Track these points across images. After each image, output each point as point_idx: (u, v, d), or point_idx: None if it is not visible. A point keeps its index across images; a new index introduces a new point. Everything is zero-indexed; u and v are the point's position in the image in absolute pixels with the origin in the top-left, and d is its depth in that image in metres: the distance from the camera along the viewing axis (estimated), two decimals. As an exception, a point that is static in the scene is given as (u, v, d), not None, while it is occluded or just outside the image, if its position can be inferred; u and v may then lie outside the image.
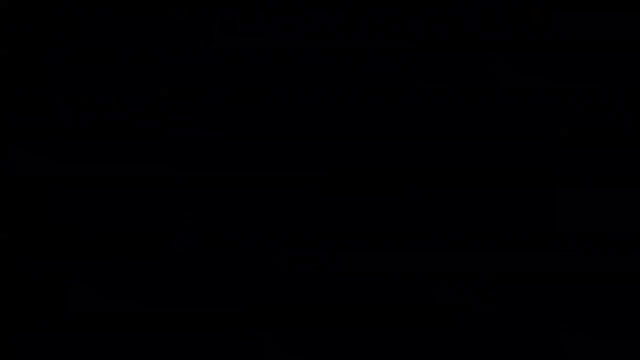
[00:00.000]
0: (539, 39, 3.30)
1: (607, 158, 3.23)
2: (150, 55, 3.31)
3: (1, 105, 3.26)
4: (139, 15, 3.33)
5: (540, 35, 3.30)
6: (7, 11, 3.29)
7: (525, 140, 3.26)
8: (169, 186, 3.24)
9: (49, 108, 3.27)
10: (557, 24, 3.29)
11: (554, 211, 3.21)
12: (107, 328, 3.12)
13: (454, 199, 3.23)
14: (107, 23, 3.32)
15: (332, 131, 3.28)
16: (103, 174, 3.24)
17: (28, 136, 3.26)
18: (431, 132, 3.27)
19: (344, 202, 3.24)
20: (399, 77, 3.30)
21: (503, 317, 3.14)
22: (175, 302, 3.16)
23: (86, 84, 3.30)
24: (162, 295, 3.17)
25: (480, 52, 3.30)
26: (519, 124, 3.27)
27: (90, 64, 3.31)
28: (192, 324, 3.13)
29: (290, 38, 3.32)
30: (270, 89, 3.31)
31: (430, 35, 3.30)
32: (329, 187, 3.24)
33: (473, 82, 3.30)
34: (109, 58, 3.31)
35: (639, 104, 3.25)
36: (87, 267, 3.18)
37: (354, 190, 3.24)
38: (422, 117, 3.28)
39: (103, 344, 3.11)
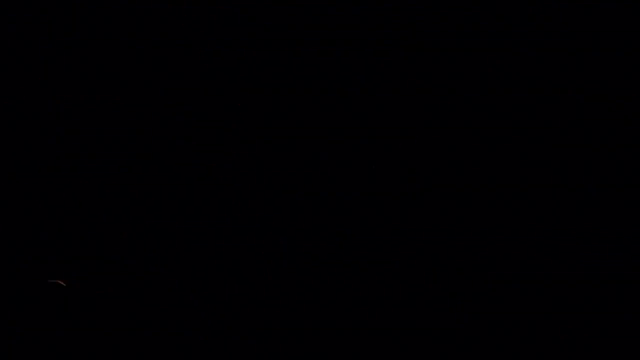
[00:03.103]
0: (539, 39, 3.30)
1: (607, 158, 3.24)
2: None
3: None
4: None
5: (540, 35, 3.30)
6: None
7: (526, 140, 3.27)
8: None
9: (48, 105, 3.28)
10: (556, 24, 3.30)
11: (554, 211, 3.22)
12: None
13: (454, 198, 3.24)
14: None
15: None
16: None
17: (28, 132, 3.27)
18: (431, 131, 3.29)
19: (342, 199, 3.24)
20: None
21: (503, 317, 3.15)
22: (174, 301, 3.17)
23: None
24: (162, 294, 3.18)
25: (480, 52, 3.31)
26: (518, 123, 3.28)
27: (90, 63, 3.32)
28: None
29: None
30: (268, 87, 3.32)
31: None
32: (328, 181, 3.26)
33: (473, 82, 3.30)
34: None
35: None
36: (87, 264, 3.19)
37: (352, 188, 3.25)
38: (420, 117, 3.29)
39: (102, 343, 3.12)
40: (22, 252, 3.21)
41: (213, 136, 3.30)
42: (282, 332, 3.15)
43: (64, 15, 3.32)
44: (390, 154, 3.28)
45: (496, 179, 3.25)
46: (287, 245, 3.22)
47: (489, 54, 3.30)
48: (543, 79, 3.30)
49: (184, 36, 3.34)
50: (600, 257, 3.17)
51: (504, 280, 3.18)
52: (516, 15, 3.30)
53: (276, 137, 3.30)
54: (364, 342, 3.14)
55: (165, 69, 3.33)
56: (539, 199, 3.23)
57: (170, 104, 3.32)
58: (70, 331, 3.13)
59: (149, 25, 3.34)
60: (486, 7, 3.29)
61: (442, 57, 3.31)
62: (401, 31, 3.32)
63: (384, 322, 3.16)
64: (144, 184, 3.26)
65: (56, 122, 3.29)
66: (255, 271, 3.20)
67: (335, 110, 3.31)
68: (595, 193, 3.22)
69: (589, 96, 3.28)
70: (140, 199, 3.25)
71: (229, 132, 3.31)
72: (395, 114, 3.30)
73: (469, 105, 3.29)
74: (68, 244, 3.22)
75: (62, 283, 2.97)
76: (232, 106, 3.33)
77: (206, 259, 3.22)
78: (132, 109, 3.31)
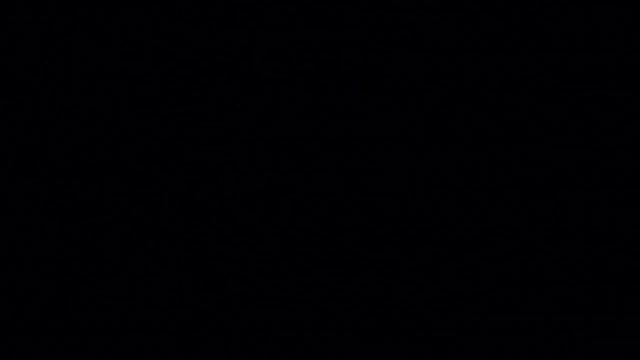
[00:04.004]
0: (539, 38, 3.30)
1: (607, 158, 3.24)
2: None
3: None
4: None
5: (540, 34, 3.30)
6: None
7: (525, 140, 3.26)
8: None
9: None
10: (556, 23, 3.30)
11: (554, 211, 3.22)
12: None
13: (454, 198, 3.23)
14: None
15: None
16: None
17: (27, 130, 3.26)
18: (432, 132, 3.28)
19: (342, 199, 3.24)
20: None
21: (503, 317, 3.15)
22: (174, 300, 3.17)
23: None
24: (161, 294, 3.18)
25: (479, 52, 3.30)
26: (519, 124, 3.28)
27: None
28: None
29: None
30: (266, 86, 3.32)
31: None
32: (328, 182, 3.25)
33: (472, 81, 3.30)
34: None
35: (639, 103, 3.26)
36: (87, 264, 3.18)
37: (352, 188, 3.25)
38: (422, 117, 3.29)
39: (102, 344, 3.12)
40: (22, 252, 3.20)
41: (213, 136, 3.30)
42: (282, 332, 3.15)
43: (64, 15, 3.32)
44: (390, 154, 3.27)
45: (496, 179, 3.25)
46: (287, 245, 3.22)
47: (489, 54, 3.30)
48: (543, 79, 3.29)
49: (184, 36, 3.34)
50: (600, 257, 3.17)
51: (504, 280, 3.18)
52: (516, 15, 3.30)
53: (276, 137, 3.30)
54: (364, 342, 3.14)
55: (165, 69, 3.33)
56: (539, 199, 3.23)
57: (170, 104, 3.32)
58: (70, 331, 3.13)
59: (149, 25, 3.34)
60: (486, 7, 3.29)
61: (442, 57, 3.31)
62: (401, 31, 3.32)
63: (384, 322, 3.16)
64: (144, 184, 3.26)
65: (56, 122, 3.29)
66: (255, 271, 3.20)
67: (335, 110, 3.31)
68: (596, 193, 3.22)
69: (589, 96, 3.28)
70: (140, 199, 3.25)
71: (229, 132, 3.30)
72: (395, 114, 3.30)
73: (469, 105, 3.29)
74: (68, 244, 3.21)
75: None
76: (232, 106, 3.33)
77: (206, 259, 3.22)
78: (132, 109, 3.31)
